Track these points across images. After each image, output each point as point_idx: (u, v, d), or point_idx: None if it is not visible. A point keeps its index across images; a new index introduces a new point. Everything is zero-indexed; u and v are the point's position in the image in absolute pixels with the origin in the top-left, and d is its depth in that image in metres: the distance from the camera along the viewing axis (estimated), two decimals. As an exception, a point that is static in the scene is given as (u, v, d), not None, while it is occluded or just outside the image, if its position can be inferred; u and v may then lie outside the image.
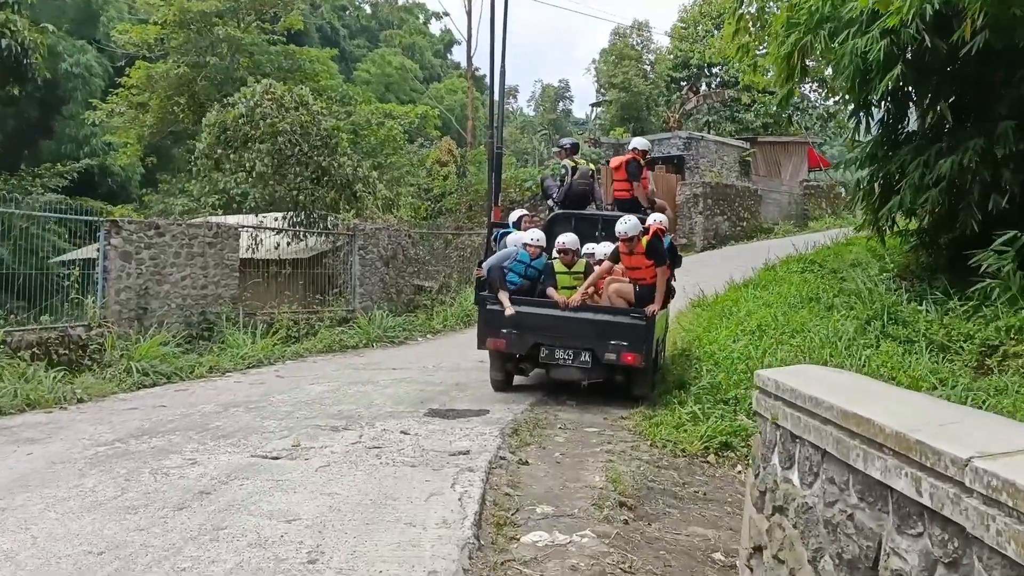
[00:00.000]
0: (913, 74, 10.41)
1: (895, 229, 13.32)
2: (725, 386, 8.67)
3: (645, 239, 8.51)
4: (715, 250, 25.89)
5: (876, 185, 12.56)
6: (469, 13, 32.29)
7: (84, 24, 36.22)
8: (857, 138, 13.56)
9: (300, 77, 28.56)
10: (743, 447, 7.00)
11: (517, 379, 9.54)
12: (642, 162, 10.38)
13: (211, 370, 10.29)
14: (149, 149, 31.69)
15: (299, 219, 16.26)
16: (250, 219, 16.06)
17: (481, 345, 8.81)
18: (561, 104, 68.62)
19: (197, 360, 10.45)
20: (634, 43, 39.76)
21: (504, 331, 8.50)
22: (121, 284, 11.00)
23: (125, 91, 28.84)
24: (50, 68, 25.13)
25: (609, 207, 10.48)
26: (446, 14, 62.81)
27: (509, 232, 9.91)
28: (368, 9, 59.88)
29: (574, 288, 8.73)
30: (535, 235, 9.10)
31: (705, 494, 5.93)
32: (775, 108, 27.96)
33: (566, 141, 11.29)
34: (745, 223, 28.30)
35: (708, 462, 6.83)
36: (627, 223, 8.42)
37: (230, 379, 9.92)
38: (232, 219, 15.73)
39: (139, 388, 9.22)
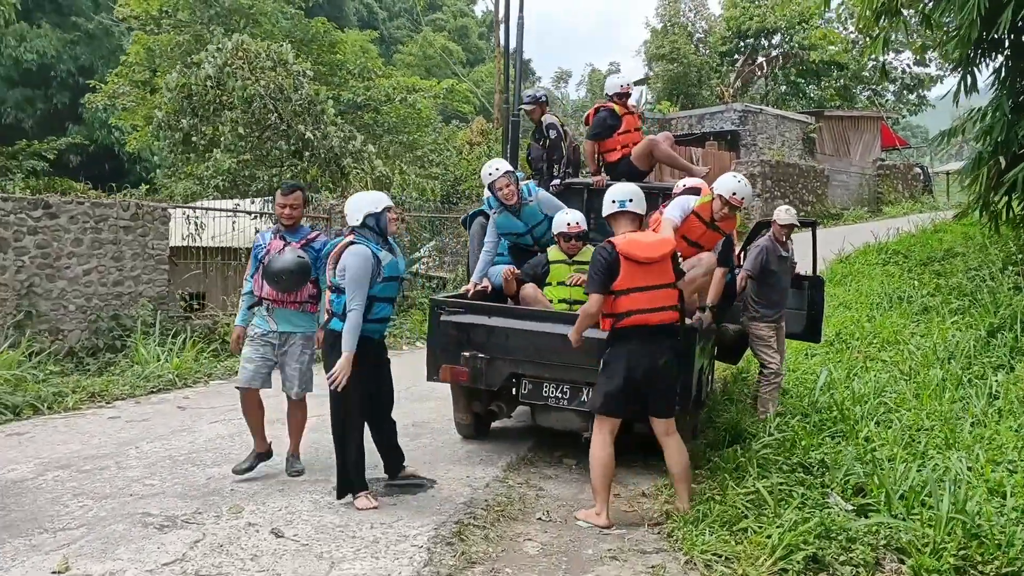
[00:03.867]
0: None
1: (1012, 214, 10.38)
2: (803, 439, 5.73)
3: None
4: (776, 238, 22.69)
5: (1000, 157, 9.64)
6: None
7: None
8: (961, 99, 10.63)
9: (317, 50, 25.87)
10: (844, 564, 4.04)
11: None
12: (617, 110, 7.35)
13: (94, 398, 7.55)
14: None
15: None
16: (231, 203, 13.46)
17: (432, 375, 5.82)
18: (612, 87, 65.04)
19: (77, 384, 7.73)
20: (685, 8, 35.95)
21: (466, 354, 5.60)
22: (-7, 281, 8.39)
23: (125, 69, 26.48)
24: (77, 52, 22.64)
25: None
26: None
27: (481, 212, 6.89)
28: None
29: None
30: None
31: None
32: (866, 56, 24.84)
33: (535, 92, 7.74)
34: (810, 207, 24.99)
35: (786, 600, 3.89)
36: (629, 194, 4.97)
37: (108, 412, 7.15)
38: (228, 203, 13.17)
39: (-35, 429, 6.52)
